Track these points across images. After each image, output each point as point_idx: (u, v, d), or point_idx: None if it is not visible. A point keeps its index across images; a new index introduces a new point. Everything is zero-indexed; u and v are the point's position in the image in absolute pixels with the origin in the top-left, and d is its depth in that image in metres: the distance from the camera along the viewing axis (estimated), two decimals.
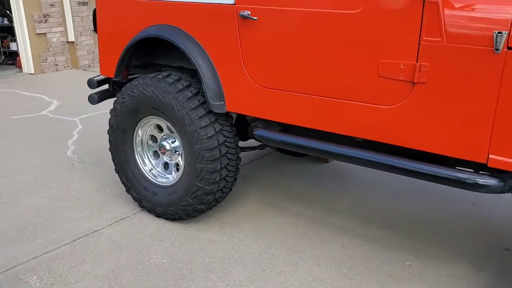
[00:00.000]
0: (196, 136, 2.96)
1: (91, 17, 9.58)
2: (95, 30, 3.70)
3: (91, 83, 3.68)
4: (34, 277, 2.72)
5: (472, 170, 2.34)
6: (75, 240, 3.10)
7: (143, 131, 3.35)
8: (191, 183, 3.07)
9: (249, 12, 2.70)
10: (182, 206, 3.17)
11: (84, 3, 9.47)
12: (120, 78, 3.42)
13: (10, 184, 3.98)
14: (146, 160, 3.41)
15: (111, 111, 3.37)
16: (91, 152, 4.68)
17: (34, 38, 9.15)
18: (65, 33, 9.51)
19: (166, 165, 3.40)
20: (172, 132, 3.24)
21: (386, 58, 2.31)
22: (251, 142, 3.82)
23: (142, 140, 3.39)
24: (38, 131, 5.44)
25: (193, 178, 3.05)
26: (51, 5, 9.20)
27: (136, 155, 3.40)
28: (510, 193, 2.31)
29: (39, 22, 9.13)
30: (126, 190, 3.50)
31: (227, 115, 3.08)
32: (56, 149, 4.80)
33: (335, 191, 3.80)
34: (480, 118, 2.16)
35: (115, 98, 3.44)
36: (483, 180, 2.23)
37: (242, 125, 3.29)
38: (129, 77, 3.54)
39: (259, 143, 3.50)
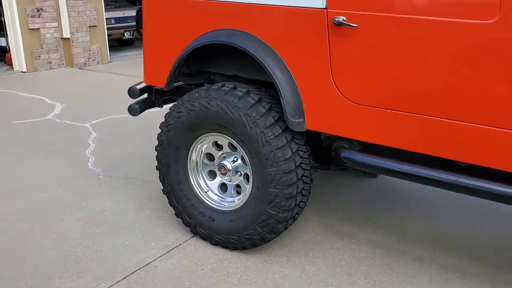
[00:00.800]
0: (272, 157, 2.59)
1: (91, 12, 9.10)
2: (139, 33, 3.29)
3: (133, 92, 3.27)
4: None
5: None
6: (128, 276, 2.69)
7: (200, 149, 2.97)
8: (261, 210, 2.70)
9: (344, 18, 2.35)
10: (248, 234, 2.80)
11: None
12: (172, 87, 3.03)
13: (35, 203, 3.53)
14: (202, 181, 3.02)
15: (162, 126, 2.97)
16: (115, 164, 4.25)
17: (27, 34, 8.58)
18: (59, 29, 8.95)
19: (223, 186, 3.02)
20: (235, 150, 2.86)
21: None
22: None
23: (197, 159, 3.00)
24: (48, 138, 4.96)
25: (264, 204, 2.69)
26: None
27: (190, 175, 3.01)
28: None
29: (32, 16, 8.56)
30: (176, 214, 3.10)
31: (302, 133, 2.72)
32: (75, 160, 4.35)
33: (399, 212, 3.48)
34: None
35: (165, 111, 3.05)
36: None
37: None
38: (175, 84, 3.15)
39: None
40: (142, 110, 3.34)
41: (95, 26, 9.32)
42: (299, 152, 2.68)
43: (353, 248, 3.01)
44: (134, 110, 3.30)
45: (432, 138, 2.27)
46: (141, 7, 3.15)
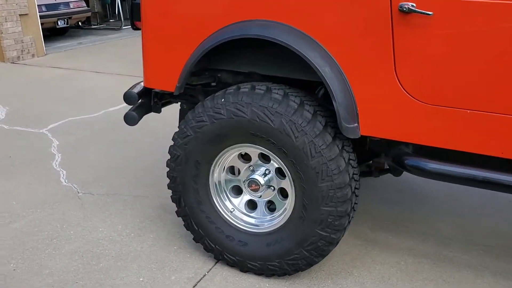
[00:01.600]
0: (324, 171, 2.20)
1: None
2: (134, 27, 2.75)
3: (130, 98, 2.73)
4: None
5: None
6: None
7: (223, 162, 2.51)
8: (309, 231, 2.32)
9: (414, 4, 1.98)
10: (291, 260, 2.40)
11: None
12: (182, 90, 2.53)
13: (9, 236, 2.91)
14: (226, 200, 2.58)
15: (177, 138, 2.48)
16: (92, 178, 3.67)
17: None
18: None
19: (250, 204, 2.59)
20: (267, 161, 2.45)
21: None
22: None
23: (220, 174, 2.55)
24: (1, 151, 4.24)
25: (313, 224, 2.30)
26: None
27: (213, 194, 2.56)
28: None
29: None
30: (194, 239, 2.64)
31: (349, 139, 2.35)
32: (43, 176, 3.71)
33: (425, 213, 3.21)
34: None
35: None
36: None
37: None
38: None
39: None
40: (140, 118, 2.82)
41: (27, 14, 8.34)
42: (350, 161, 2.31)
43: (397, 261, 2.71)
44: (132, 119, 2.77)
45: None
46: None
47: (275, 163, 2.41)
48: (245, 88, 2.34)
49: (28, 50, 8.41)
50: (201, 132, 2.40)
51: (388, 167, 2.69)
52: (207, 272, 2.58)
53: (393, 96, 2.13)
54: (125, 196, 3.39)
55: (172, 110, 4.93)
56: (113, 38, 10.60)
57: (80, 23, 11.31)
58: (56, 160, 4.00)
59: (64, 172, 3.78)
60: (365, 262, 2.69)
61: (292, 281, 2.52)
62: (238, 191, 2.60)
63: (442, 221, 3.11)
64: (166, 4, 2.47)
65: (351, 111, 2.19)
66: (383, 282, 2.53)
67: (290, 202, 2.39)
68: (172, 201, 2.64)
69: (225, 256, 2.56)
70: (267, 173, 2.47)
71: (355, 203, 2.37)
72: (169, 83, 2.56)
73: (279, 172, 2.45)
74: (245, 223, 2.54)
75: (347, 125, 2.18)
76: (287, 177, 2.38)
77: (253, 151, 2.43)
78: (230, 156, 2.49)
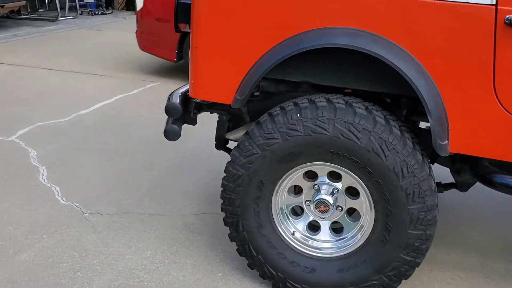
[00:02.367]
0: (416, 192, 2.06)
1: None
2: (177, 29, 2.43)
3: (175, 110, 2.42)
4: None
5: None
6: None
7: (288, 182, 2.29)
8: (391, 256, 2.16)
9: None
10: (368, 286, 2.24)
11: None
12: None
13: (21, 270, 2.48)
14: (288, 222, 2.36)
15: (239, 156, 2.22)
16: (95, 195, 3.26)
17: None
18: None
19: (310, 225, 2.39)
20: (336, 179, 2.26)
21: None
22: None
23: (283, 195, 2.32)
24: None
25: (397, 249, 2.14)
26: None
27: (275, 216, 2.33)
28: None
29: None
30: (249, 265, 2.40)
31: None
32: (33, 194, 3.25)
33: (453, 221, 3.16)
34: None
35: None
36: None
37: None
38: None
39: None
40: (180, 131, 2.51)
41: None
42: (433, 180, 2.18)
43: (452, 277, 2.64)
44: (175, 133, 2.45)
45: None
46: None
47: (346, 182, 2.23)
48: (321, 101, 2.13)
49: None
50: (270, 150, 2.16)
51: (453, 182, 2.59)
52: None
53: (489, 112, 2.02)
54: (139, 215, 3.04)
55: (155, 117, 4.61)
56: (51, 30, 9.77)
57: (10, 13, 10.35)
58: (42, 174, 3.53)
59: (58, 188, 3.33)
60: (422, 281, 2.58)
61: None
62: (296, 212, 2.40)
63: (475, 230, 3.08)
64: (230, 4, 2.19)
65: (445, 127, 2.06)
66: None
67: (367, 224, 2.22)
68: (226, 225, 2.38)
69: (288, 283, 2.34)
70: (334, 192, 2.28)
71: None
72: (227, 95, 2.28)
73: (348, 191, 2.27)
74: (311, 248, 2.34)
75: (441, 143, 2.04)
76: (362, 197, 2.21)
77: (323, 169, 2.24)
78: (295, 175, 2.27)
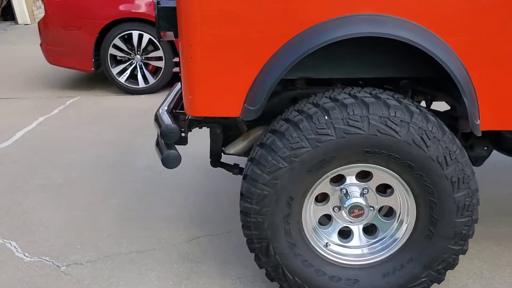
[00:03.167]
0: (461, 178, 1.94)
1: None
2: (160, 38, 2.07)
3: (173, 133, 2.07)
4: None
5: None
6: None
7: (315, 191, 2.06)
8: (440, 249, 2.04)
9: None
10: (417, 285, 2.10)
11: None
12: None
13: None
14: (319, 234, 2.14)
15: (261, 174, 1.94)
16: (63, 242, 2.78)
17: None
18: None
19: (341, 233, 2.20)
20: (364, 179, 2.08)
21: None
22: None
23: (311, 206, 2.09)
24: None
25: (445, 240, 2.03)
26: None
27: (306, 231, 2.10)
28: None
29: None
30: None
31: None
32: None
33: None
34: None
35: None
36: None
37: None
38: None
39: None
40: None
41: None
42: None
43: (470, 251, 2.58)
44: (176, 159, 2.09)
45: None
46: (171, 1, 1.96)
47: (377, 180, 2.06)
48: (346, 98, 1.92)
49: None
50: (299, 161, 1.92)
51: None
52: None
53: None
54: (126, 256, 2.65)
55: (91, 136, 4.11)
56: None
57: None
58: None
59: (14, 243, 2.80)
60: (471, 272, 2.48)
61: None
62: (320, 222, 2.19)
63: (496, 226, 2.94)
64: (228, 4, 1.88)
65: (477, 107, 1.95)
66: None
67: (408, 221, 2.07)
68: (253, 251, 2.11)
69: None
70: (364, 192, 2.10)
71: None
72: (233, 107, 1.99)
73: (377, 189, 2.11)
74: (349, 257, 2.15)
75: (476, 123, 1.94)
76: (398, 193, 2.06)
77: (353, 171, 2.04)
78: (323, 183, 2.06)
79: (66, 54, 5.48)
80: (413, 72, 2.14)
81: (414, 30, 1.86)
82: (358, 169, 2.04)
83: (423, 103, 2.50)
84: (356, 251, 2.17)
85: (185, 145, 2.33)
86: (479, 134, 1.98)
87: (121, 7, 5.36)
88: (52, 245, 2.77)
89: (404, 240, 2.10)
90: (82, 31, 5.31)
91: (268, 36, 1.90)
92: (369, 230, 2.20)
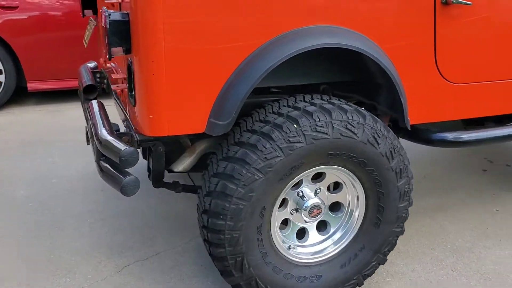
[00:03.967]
0: (403, 168, 2.21)
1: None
2: (110, 56, 1.85)
3: (132, 158, 1.86)
4: None
5: None
6: None
7: (280, 198, 2.12)
8: (386, 234, 2.28)
9: None
10: (368, 269, 2.31)
11: None
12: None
13: None
14: (282, 239, 2.20)
15: (236, 188, 1.92)
16: None
17: None
18: None
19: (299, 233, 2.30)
20: (317, 180, 2.21)
21: None
22: None
23: (276, 213, 2.14)
24: None
25: (390, 225, 2.27)
26: None
27: (274, 238, 2.14)
28: None
29: None
30: None
31: None
32: None
33: (460, 203, 3.26)
34: None
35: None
36: None
37: None
38: None
39: None
40: None
41: None
42: None
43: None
44: (136, 185, 1.91)
45: None
46: (122, 14, 1.78)
47: (329, 179, 2.22)
48: (308, 106, 2.02)
49: None
50: (273, 170, 1.95)
51: None
52: None
53: (433, 83, 2.30)
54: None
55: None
56: None
57: None
58: None
59: None
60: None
61: None
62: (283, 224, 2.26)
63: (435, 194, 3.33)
64: (192, 16, 1.79)
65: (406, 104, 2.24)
66: None
67: (357, 213, 2.27)
68: (224, 268, 2.06)
69: None
70: (317, 192, 2.23)
71: None
72: (198, 123, 1.92)
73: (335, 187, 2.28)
74: (314, 255, 2.26)
75: (408, 119, 2.23)
76: (346, 189, 2.24)
77: (310, 174, 2.16)
78: (288, 189, 2.12)
79: None
80: (330, 77, 2.33)
81: (362, 40, 2.05)
82: (315, 172, 2.16)
83: None
84: (315, 248, 2.29)
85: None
86: (409, 128, 2.28)
87: None
88: None
89: (355, 231, 2.29)
90: None
91: (231, 48, 1.88)
92: (321, 226, 2.34)
